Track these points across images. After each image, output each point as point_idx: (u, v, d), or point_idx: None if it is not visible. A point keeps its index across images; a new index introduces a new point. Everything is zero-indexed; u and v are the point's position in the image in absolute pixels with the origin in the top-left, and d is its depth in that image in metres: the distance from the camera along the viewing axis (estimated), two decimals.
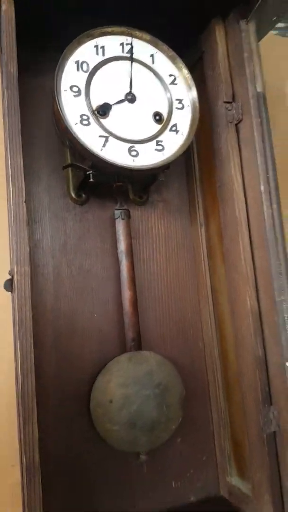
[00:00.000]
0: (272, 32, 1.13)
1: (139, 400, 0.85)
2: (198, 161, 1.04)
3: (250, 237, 0.87)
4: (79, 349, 0.90)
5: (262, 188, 0.82)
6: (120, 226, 0.92)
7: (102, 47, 0.84)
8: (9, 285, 0.72)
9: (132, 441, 0.86)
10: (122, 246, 0.91)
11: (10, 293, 0.74)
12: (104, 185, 0.89)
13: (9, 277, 0.73)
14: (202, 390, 1.01)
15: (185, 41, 0.98)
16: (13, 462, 0.87)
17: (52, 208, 0.93)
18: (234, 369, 0.93)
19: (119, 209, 0.92)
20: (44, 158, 0.94)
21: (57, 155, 0.95)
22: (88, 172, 0.83)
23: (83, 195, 0.95)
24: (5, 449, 0.87)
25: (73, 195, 0.94)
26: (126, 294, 0.90)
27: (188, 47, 1.00)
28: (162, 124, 0.86)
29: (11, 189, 0.71)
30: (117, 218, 0.92)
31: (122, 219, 0.92)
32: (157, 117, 0.86)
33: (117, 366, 0.88)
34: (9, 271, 0.73)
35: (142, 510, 0.92)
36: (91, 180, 0.83)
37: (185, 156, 1.03)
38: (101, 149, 0.80)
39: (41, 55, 0.94)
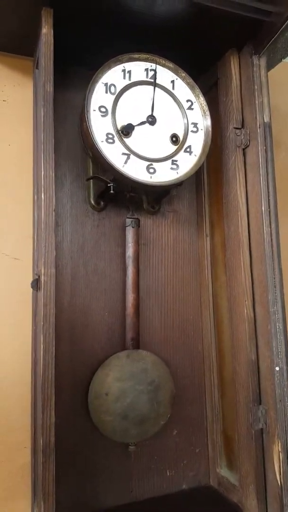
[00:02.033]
0: None
1: (132, 394, 0.95)
2: (208, 177, 1.13)
3: (250, 251, 0.96)
4: (91, 343, 0.99)
5: (263, 208, 0.91)
6: (129, 233, 1.01)
7: (129, 72, 0.93)
8: (35, 284, 0.81)
9: (123, 432, 0.95)
10: (130, 251, 1.00)
11: (32, 292, 0.82)
12: (121, 195, 0.98)
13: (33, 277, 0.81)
14: (199, 388, 1.11)
15: (203, 65, 1.08)
16: (25, 444, 0.95)
17: (73, 213, 1.02)
18: (229, 370, 1.03)
19: (130, 218, 1.01)
20: (68, 166, 1.03)
21: (80, 164, 1.04)
22: (109, 184, 0.91)
23: (102, 203, 1.04)
24: (18, 432, 0.95)
25: (92, 202, 1.03)
26: (130, 297, 1.00)
27: (206, 70, 1.09)
28: (178, 145, 0.95)
29: (42, 197, 0.80)
30: (127, 226, 1.01)
31: (132, 227, 1.01)
32: (174, 138, 0.94)
33: (115, 362, 0.97)
34: (36, 271, 0.82)
35: (139, 494, 1.02)
36: (112, 191, 0.91)
37: (196, 171, 1.12)
38: (123, 166, 0.88)
39: (69, 71, 1.03)
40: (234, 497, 0.99)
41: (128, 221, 1.01)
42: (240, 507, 0.96)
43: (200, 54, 1.03)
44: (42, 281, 0.77)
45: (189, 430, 1.08)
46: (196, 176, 1.15)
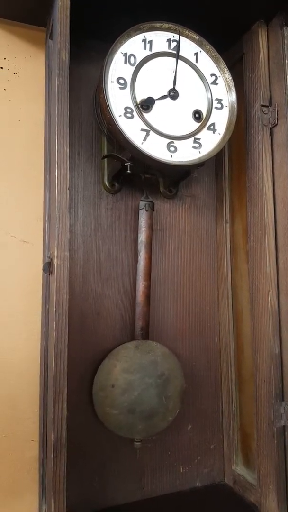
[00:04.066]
0: None
1: (141, 387, 0.89)
2: (229, 159, 1.07)
3: (275, 238, 0.90)
4: (103, 332, 0.94)
5: None
6: (143, 217, 0.94)
7: (150, 42, 0.86)
8: (47, 267, 0.75)
9: (129, 427, 0.89)
10: (142, 236, 0.94)
11: (43, 277, 0.77)
12: (136, 177, 0.92)
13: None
14: (215, 381, 1.05)
15: (227, 39, 1.00)
16: (32, 437, 0.90)
17: (86, 195, 0.96)
18: (248, 363, 0.97)
19: (144, 201, 0.95)
20: (82, 145, 0.97)
21: (94, 143, 0.98)
22: (126, 164, 0.85)
23: (116, 185, 0.98)
24: (26, 424, 0.90)
25: (107, 184, 0.97)
26: (141, 284, 0.93)
27: (229, 46, 1.02)
28: (201, 122, 0.88)
29: (56, 175, 0.73)
30: (141, 209, 0.95)
31: (146, 210, 0.94)
32: (197, 115, 0.88)
33: (124, 352, 0.91)
34: (48, 254, 0.76)
35: (150, 491, 0.97)
36: (129, 171, 0.85)
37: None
38: (142, 143, 0.82)
39: (84, 44, 0.96)
40: (251, 496, 0.94)
41: (142, 204, 0.95)
42: (258, 507, 0.91)
43: (224, 27, 0.95)
44: (55, 265, 0.72)
45: (204, 425, 1.03)
46: (216, 158, 1.08)
